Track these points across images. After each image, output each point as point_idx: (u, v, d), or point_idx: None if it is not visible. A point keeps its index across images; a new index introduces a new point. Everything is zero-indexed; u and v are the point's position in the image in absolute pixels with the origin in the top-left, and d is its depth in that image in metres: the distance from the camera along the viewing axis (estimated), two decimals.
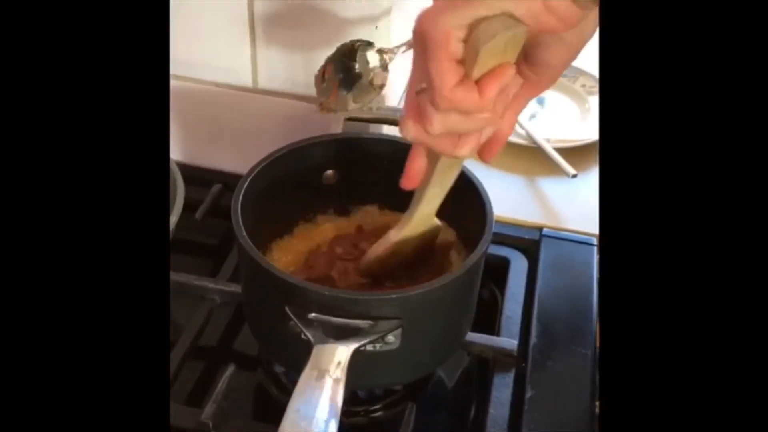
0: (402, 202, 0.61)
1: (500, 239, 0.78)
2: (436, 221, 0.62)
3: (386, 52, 0.69)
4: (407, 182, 0.56)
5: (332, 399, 0.49)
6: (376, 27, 0.73)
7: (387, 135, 0.73)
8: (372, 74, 0.69)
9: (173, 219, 0.67)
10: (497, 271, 0.76)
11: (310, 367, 0.51)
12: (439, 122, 0.46)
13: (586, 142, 0.91)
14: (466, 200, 0.63)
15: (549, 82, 0.50)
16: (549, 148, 0.89)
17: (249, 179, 0.63)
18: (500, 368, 0.67)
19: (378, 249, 0.62)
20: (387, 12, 0.74)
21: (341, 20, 0.74)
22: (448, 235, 0.66)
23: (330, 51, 0.70)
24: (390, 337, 0.56)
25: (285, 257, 0.68)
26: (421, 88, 0.46)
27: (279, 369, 0.69)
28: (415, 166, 0.55)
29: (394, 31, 0.75)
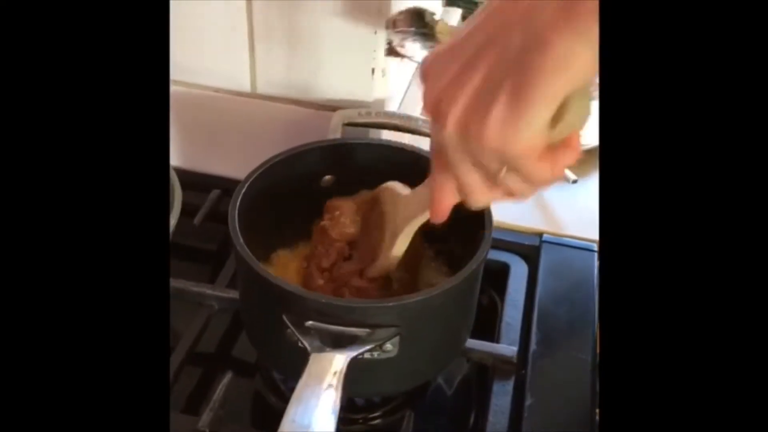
0: None
1: (500, 245, 0.78)
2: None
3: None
4: (439, 219, 0.52)
5: (329, 408, 0.49)
6: (375, 32, 0.73)
7: (386, 140, 0.73)
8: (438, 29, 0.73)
9: (171, 224, 0.67)
10: (497, 277, 0.76)
11: (306, 376, 0.51)
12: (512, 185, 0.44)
13: (587, 148, 0.91)
14: (464, 205, 0.63)
15: None
16: None
17: (246, 185, 0.63)
18: (500, 375, 0.67)
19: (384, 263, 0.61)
20: (386, 17, 0.73)
21: (339, 27, 0.74)
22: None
23: (328, 55, 0.71)
24: (388, 345, 0.55)
25: (284, 263, 0.68)
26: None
27: (277, 376, 0.69)
28: (448, 204, 0.51)
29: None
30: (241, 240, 0.58)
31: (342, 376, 0.51)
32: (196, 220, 0.79)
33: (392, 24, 0.73)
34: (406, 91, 0.88)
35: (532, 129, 0.40)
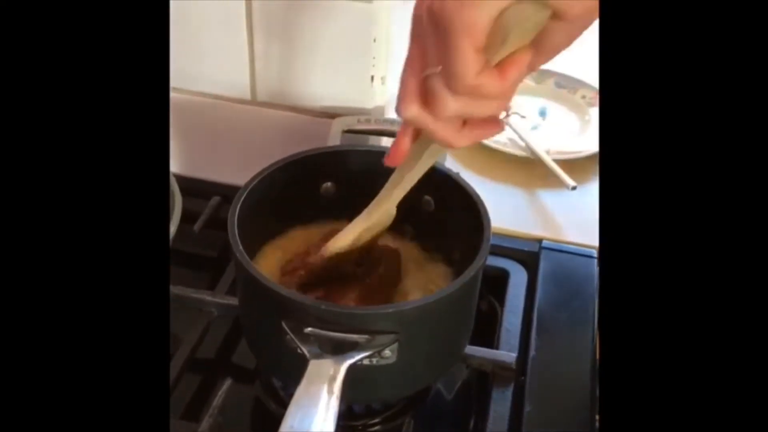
0: (400, 214, 0.61)
1: (499, 251, 0.78)
2: (394, 211, 0.61)
3: None
4: (392, 160, 0.54)
5: (327, 414, 0.49)
6: (374, 40, 0.73)
7: (386, 147, 0.73)
8: None
9: (171, 231, 0.67)
10: (496, 283, 0.76)
11: (305, 383, 0.51)
12: (453, 106, 0.46)
13: (586, 154, 0.91)
14: (463, 212, 0.63)
15: (538, 67, 0.50)
16: (549, 160, 0.89)
17: (246, 192, 0.63)
18: (499, 382, 0.67)
19: (345, 237, 0.62)
20: (383, 23, 0.74)
21: (339, 34, 0.74)
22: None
23: (328, 62, 0.70)
24: (387, 352, 0.55)
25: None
26: (432, 72, 0.46)
27: (277, 382, 0.68)
28: (403, 146, 0.53)
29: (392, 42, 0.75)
30: (241, 247, 0.58)
31: (341, 382, 0.52)
32: (196, 226, 0.79)
33: None
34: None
35: (465, 55, 0.43)
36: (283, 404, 0.66)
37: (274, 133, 0.82)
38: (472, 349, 0.67)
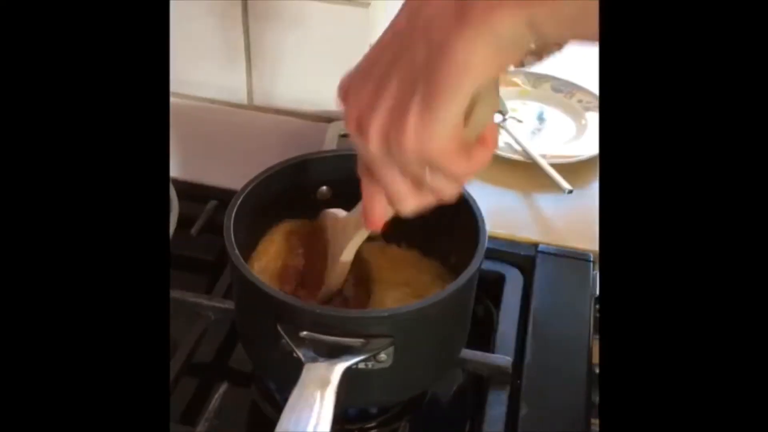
0: (396, 217, 0.61)
1: (495, 255, 0.78)
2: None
3: None
4: (374, 228, 0.54)
5: (322, 418, 0.49)
6: (371, 44, 0.73)
7: None
8: None
9: None
10: (492, 287, 0.76)
11: (300, 386, 0.51)
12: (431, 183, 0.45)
13: (582, 158, 0.91)
14: (458, 216, 0.63)
15: None
16: (545, 164, 0.89)
17: (242, 196, 0.63)
18: (495, 385, 0.67)
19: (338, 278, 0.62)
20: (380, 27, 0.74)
21: (334, 38, 0.74)
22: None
23: (324, 67, 0.71)
24: (382, 356, 0.55)
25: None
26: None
27: (273, 386, 0.69)
28: (379, 213, 0.52)
29: None
30: (237, 251, 0.58)
31: (336, 386, 0.52)
32: (193, 230, 0.79)
33: None
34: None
35: (445, 128, 0.42)
36: (279, 408, 0.66)
37: (271, 138, 0.82)
38: (468, 353, 0.67)
